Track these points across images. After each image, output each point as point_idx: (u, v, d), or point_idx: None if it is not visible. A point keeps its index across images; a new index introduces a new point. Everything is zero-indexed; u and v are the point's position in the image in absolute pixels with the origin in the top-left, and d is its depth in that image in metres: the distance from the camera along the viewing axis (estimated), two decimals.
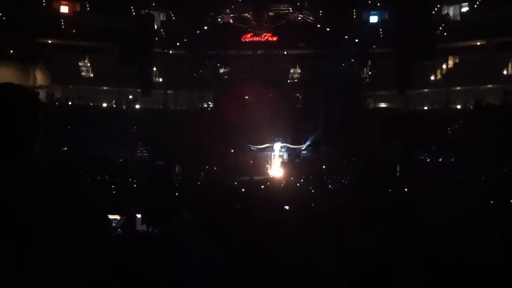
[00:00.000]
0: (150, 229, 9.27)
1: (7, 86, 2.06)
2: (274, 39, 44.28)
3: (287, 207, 8.97)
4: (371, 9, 44.56)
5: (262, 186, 18.32)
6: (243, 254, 5.19)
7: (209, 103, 43.99)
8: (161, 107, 41.12)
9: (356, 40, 41.95)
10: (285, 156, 37.46)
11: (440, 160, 32.88)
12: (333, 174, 29.74)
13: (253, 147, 37.60)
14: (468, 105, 37.08)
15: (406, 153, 33.37)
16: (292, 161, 36.80)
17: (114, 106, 41.12)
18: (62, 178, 1.99)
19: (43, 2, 42.27)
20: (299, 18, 45.81)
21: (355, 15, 44.35)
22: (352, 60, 42.31)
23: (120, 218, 8.47)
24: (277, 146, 37.02)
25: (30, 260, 1.75)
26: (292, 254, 5.70)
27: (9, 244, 1.75)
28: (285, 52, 44.15)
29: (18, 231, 1.76)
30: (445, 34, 40.57)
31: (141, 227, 9.00)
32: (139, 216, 9.23)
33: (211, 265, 5.17)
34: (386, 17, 43.88)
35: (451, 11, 43.16)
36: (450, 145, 32.89)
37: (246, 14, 46.14)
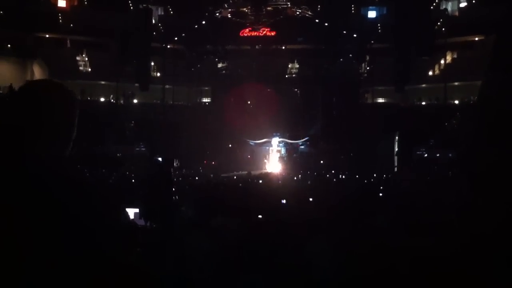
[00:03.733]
0: (148, 224, 9.29)
1: (50, 82, 2.05)
2: (273, 34, 44.19)
3: (284, 201, 8.97)
4: (370, 4, 44.50)
5: (260, 181, 18.35)
6: (241, 250, 5.21)
7: (207, 98, 44.01)
8: (159, 102, 41.08)
9: (355, 35, 41.93)
10: (283, 151, 37.49)
11: (438, 155, 32.93)
12: (331, 169, 29.80)
13: (251, 142, 37.63)
14: (466, 100, 37.12)
15: (404, 148, 33.46)
16: (290, 156, 36.85)
17: (112, 101, 41.07)
18: (77, 177, 1.97)
19: None
20: (298, 13, 45.72)
21: (354, 10, 44.30)
22: (350, 55, 42.31)
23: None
24: (275, 141, 37.06)
25: (37, 256, 1.75)
26: (291, 250, 5.72)
27: (18, 240, 1.74)
28: (283, 47, 44.09)
29: (31, 225, 1.75)
30: (443, 29, 40.56)
31: (139, 222, 9.03)
32: (136, 210, 9.26)
33: (210, 260, 5.19)
34: (385, 12, 43.86)
35: (449, 6, 43.14)
36: (448, 141, 32.93)
37: (245, 9, 46.03)
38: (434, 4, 41.90)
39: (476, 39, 39.71)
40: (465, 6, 41.99)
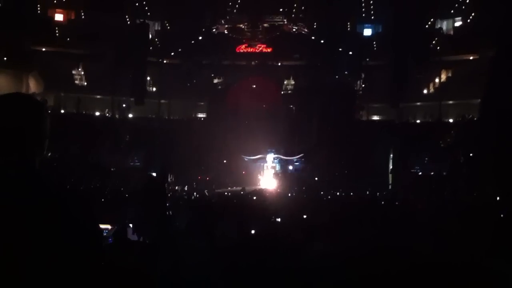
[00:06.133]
0: (141, 239, 9.24)
1: (15, 96, 2.09)
2: (269, 50, 44.41)
3: (278, 219, 8.96)
4: (365, 22, 44.83)
5: (254, 197, 18.32)
6: (235, 263, 5.18)
7: (203, 113, 44.05)
8: (154, 116, 41.06)
9: (350, 53, 42.15)
10: (278, 167, 37.43)
11: (432, 174, 32.98)
12: (326, 186, 29.79)
13: (246, 158, 37.57)
14: (459, 119, 37.26)
15: (399, 166, 33.52)
16: (285, 172, 36.79)
17: (108, 115, 41.00)
18: (58, 187, 2.01)
19: (38, 10, 42.22)
20: (294, 30, 46.01)
21: (349, 27, 44.60)
22: (345, 72, 42.47)
23: (112, 228, 8.44)
24: (270, 157, 37.02)
25: (23, 268, 1.76)
26: (284, 264, 5.68)
27: (3, 251, 1.76)
28: (279, 64, 44.28)
29: (11, 238, 1.78)
30: (438, 48, 40.83)
31: (132, 237, 8.97)
32: (130, 225, 9.20)
33: (204, 274, 5.15)
34: (380, 30, 44.19)
35: (444, 25, 43.47)
36: (441, 158, 33.00)
37: (241, 25, 46.31)
38: (429, 22, 42.21)
39: (471, 57, 39.94)
40: (460, 25, 42.29)
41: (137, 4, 42.39)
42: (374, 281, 4.51)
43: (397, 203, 18.33)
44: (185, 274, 5.19)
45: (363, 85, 43.64)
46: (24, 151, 1.97)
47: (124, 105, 41.50)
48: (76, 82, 43.00)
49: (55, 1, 43.08)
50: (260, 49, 44.71)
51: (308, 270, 5.22)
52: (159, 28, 45.79)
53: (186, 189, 27.73)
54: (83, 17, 43.97)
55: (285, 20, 46.09)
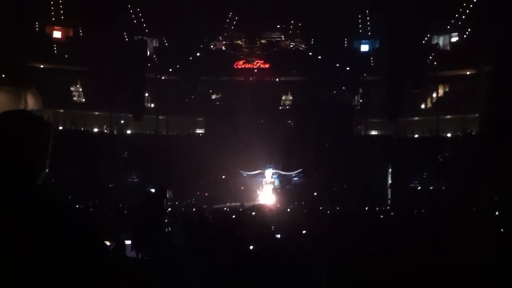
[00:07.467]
0: (140, 256, 9.19)
1: (17, 113, 2.08)
2: (266, 66, 44.61)
3: (278, 236, 8.93)
4: (363, 37, 45.08)
5: (253, 213, 18.26)
6: (234, 280, 5.15)
7: (201, 129, 44.09)
8: (152, 132, 41.05)
9: (348, 68, 42.33)
10: (276, 182, 37.39)
11: (432, 188, 32.95)
12: (324, 201, 29.73)
13: (244, 173, 37.54)
14: (459, 133, 37.32)
15: (398, 180, 33.50)
16: (283, 188, 36.73)
17: (106, 131, 40.97)
18: (61, 204, 1.99)
19: (36, 27, 42.39)
20: (291, 45, 46.24)
21: (347, 43, 44.85)
22: (343, 87, 42.62)
23: (110, 244, 8.39)
24: (269, 172, 37.00)
25: (23, 271, 1.76)
26: (284, 280, 5.65)
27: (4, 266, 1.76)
28: (277, 79, 44.45)
29: (13, 255, 1.78)
30: (435, 63, 41.00)
31: (130, 254, 8.92)
32: (128, 242, 9.15)
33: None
34: (377, 45, 44.42)
35: (441, 40, 43.70)
36: (440, 173, 33.02)
37: (239, 41, 46.55)
38: (426, 38, 42.44)
39: (468, 72, 40.13)
40: (457, 41, 42.53)
41: (135, 21, 42.63)
42: (374, 281, 4.50)
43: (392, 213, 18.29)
44: None
45: (361, 100, 43.80)
46: (24, 158, 1.97)
47: (122, 122, 41.52)
48: (74, 98, 43.07)
49: (53, 19, 43.23)
50: (257, 65, 44.93)
51: (306, 270, 5.21)
52: (157, 45, 45.97)
53: (184, 204, 27.65)
54: (81, 34, 44.11)
55: (282, 36, 46.35)
